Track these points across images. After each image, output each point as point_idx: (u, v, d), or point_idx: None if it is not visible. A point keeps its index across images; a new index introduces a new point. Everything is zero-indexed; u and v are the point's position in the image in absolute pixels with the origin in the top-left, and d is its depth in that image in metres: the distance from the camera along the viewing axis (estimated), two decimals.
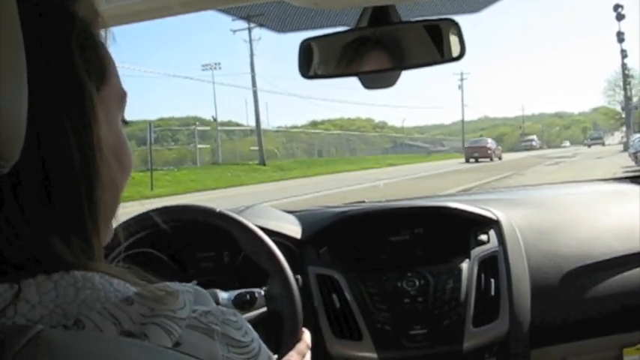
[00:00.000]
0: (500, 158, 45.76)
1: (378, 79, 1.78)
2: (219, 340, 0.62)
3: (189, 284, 0.69)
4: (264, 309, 1.69)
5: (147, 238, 1.76)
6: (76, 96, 0.62)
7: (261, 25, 1.88)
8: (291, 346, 1.53)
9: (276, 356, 1.47)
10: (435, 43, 1.63)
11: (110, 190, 0.67)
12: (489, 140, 50.19)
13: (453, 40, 1.62)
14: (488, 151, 44.46)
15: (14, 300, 0.56)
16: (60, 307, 0.57)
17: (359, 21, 1.63)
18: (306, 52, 1.68)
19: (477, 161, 42.60)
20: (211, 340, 0.62)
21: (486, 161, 42.28)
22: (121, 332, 0.56)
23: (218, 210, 1.77)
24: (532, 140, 75.14)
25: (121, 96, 0.71)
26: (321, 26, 1.78)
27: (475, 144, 48.38)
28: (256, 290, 1.70)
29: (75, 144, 0.62)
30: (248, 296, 1.68)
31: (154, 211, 1.79)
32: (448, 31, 1.61)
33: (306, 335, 1.58)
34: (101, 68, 0.67)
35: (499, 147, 49.99)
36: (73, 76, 0.62)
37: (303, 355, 1.48)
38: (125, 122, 0.73)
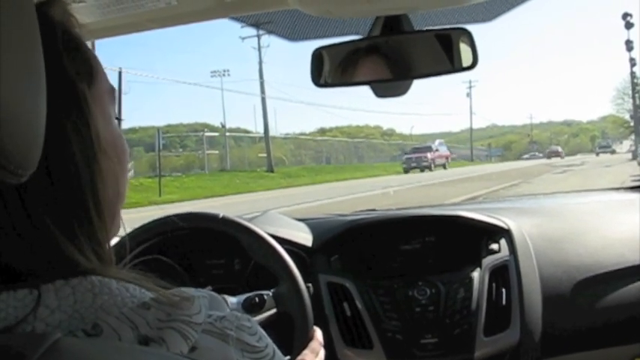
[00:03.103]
0: (563, 157, 63.16)
1: (389, 87, 1.78)
2: (233, 345, 0.64)
3: (204, 290, 0.70)
4: (274, 310, 1.71)
5: (157, 245, 1.77)
6: (71, 96, 0.65)
7: (272, 33, 1.88)
8: (303, 346, 1.53)
9: (288, 357, 1.48)
10: (447, 53, 1.63)
11: (112, 183, 0.69)
12: (559, 147, 73.95)
13: (465, 49, 1.62)
14: (560, 153, 65.99)
15: (36, 307, 0.56)
16: (78, 312, 0.58)
17: (371, 30, 1.63)
18: (317, 60, 1.69)
19: (549, 159, 60.18)
20: (226, 345, 0.63)
21: (558, 159, 58.95)
22: (139, 337, 0.57)
23: (221, 215, 1.79)
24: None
25: (111, 90, 0.73)
26: (333, 35, 1.79)
27: (553, 149, 69.76)
28: (265, 292, 1.72)
29: (76, 142, 0.64)
30: (257, 299, 1.70)
31: (160, 219, 1.81)
32: (460, 40, 1.61)
33: (318, 333, 1.57)
34: (89, 66, 0.69)
35: (562, 151, 70.59)
36: (64, 77, 0.65)
37: (317, 354, 1.48)
38: (118, 119, 0.75)
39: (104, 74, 0.72)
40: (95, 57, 0.71)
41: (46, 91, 0.54)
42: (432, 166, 44.03)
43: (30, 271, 0.60)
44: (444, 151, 49.17)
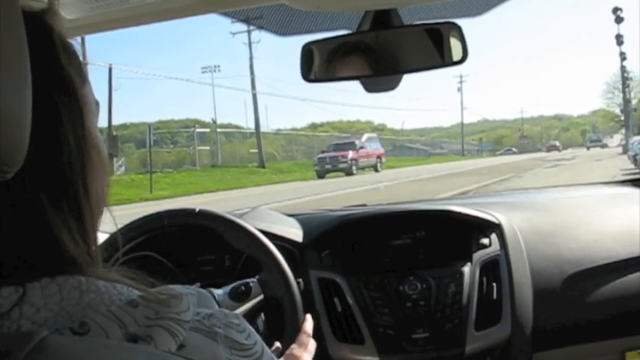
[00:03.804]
0: (560, 151, 70.69)
1: (379, 82, 1.78)
2: (222, 343, 0.64)
3: (192, 287, 0.70)
4: (261, 297, 1.72)
5: (148, 242, 1.77)
6: (67, 87, 0.66)
7: (262, 28, 1.88)
8: (294, 330, 1.54)
9: (277, 345, 1.50)
10: (437, 47, 1.63)
11: (100, 178, 0.70)
12: (557, 142, 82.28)
13: (455, 43, 1.62)
14: (558, 147, 74.65)
15: (19, 302, 0.57)
16: (65, 309, 0.58)
17: (360, 24, 1.63)
18: (307, 55, 1.69)
19: (549, 152, 67.91)
20: (214, 343, 0.64)
21: (556, 152, 65.92)
22: (126, 335, 0.58)
23: (198, 209, 1.80)
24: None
25: (97, 102, 0.75)
26: (323, 29, 1.78)
27: (552, 143, 79.54)
28: (250, 280, 1.73)
29: (70, 131, 0.65)
30: (243, 287, 1.71)
31: (147, 216, 1.81)
32: (450, 34, 1.61)
33: (308, 325, 1.57)
34: (81, 70, 0.71)
35: (560, 145, 78.72)
36: (60, 70, 0.67)
37: (306, 346, 1.48)
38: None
39: (91, 87, 0.74)
40: (85, 67, 0.73)
41: (31, 90, 0.54)
42: (354, 168, 34.20)
43: (19, 260, 0.61)
44: (373, 148, 38.52)
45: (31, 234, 0.61)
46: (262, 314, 1.77)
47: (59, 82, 0.66)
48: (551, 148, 74.30)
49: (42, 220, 0.62)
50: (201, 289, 0.72)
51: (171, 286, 0.66)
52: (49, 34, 0.67)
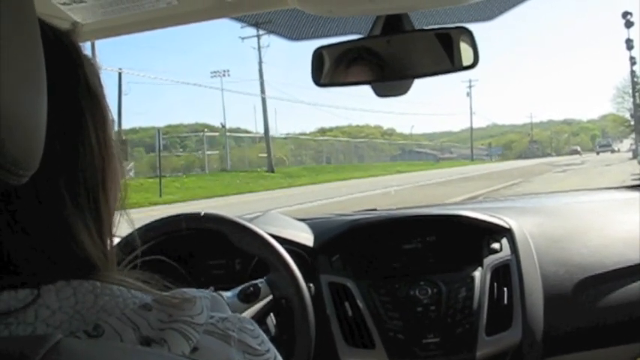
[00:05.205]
0: (581, 154, 69.90)
1: (390, 87, 1.78)
2: (235, 346, 0.64)
3: (207, 291, 0.70)
4: (270, 297, 1.73)
5: (159, 246, 1.77)
6: (93, 98, 0.69)
7: (272, 32, 1.88)
8: (304, 329, 1.55)
9: None
10: (447, 52, 1.63)
11: (115, 185, 0.72)
12: (578, 147, 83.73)
13: (466, 48, 1.62)
14: (579, 151, 75.15)
15: (32, 303, 0.57)
16: (79, 313, 0.59)
17: (371, 29, 1.64)
18: (318, 59, 1.69)
19: (572, 155, 68.51)
20: (228, 346, 0.63)
21: (577, 156, 65.91)
22: (140, 338, 0.58)
23: (203, 213, 1.81)
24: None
25: (112, 119, 0.76)
26: (334, 34, 1.79)
27: (573, 148, 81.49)
28: (258, 281, 1.74)
29: (94, 137, 0.67)
30: (252, 288, 1.73)
31: (160, 220, 1.82)
32: (460, 39, 1.61)
33: None
34: (101, 82, 0.73)
35: (580, 150, 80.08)
36: (88, 82, 0.69)
37: None
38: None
39: (107, 100, 0.75)
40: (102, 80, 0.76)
41: (46, 93, 0.55)
42: None
43: (36, 257, 0.61)
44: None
45: (51, 232, 0.62)
46: (272, 315, 1.78)
47: (86, 90, 0.68)
48: (573, 152, 76.90)
49: (62, 218, 0.63)
50: (214, 294, 0.72)
51: (184, 290, 0.66)
52: (76, 49, 0.69)
